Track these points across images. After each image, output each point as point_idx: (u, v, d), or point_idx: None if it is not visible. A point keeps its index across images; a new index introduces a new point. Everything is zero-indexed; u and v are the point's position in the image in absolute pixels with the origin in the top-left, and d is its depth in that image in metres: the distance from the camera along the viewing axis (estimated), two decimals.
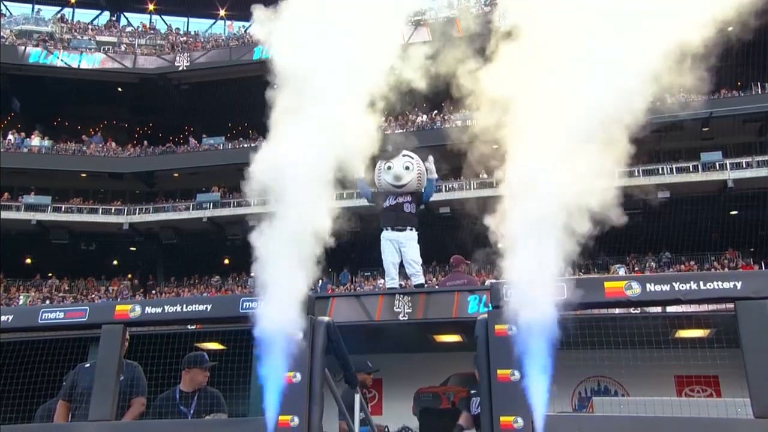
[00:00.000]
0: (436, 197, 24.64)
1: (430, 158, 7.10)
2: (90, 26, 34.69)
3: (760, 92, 24.92)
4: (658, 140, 25.33)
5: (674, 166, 24.26)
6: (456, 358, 10.17)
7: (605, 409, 5.98)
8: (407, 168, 6.88)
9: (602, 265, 23.73)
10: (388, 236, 7.05)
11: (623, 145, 3.47)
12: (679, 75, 3.46)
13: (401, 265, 7.24)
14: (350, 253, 24.30)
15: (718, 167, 23.94)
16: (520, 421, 3.43)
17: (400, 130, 27.31)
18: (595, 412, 6.02)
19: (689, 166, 24.25)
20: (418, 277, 7.28)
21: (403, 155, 6.98)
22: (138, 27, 35.40)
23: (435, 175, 7.13)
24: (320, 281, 24.27)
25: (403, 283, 8.14)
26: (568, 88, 3.39)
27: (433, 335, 9.88)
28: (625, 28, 3.42)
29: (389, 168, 6.85)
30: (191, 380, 4.94)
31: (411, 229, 6.94)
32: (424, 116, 28.43)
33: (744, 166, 23.84)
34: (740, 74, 24.47)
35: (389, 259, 7.07)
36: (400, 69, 4.07)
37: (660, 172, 24.32)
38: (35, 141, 29.63)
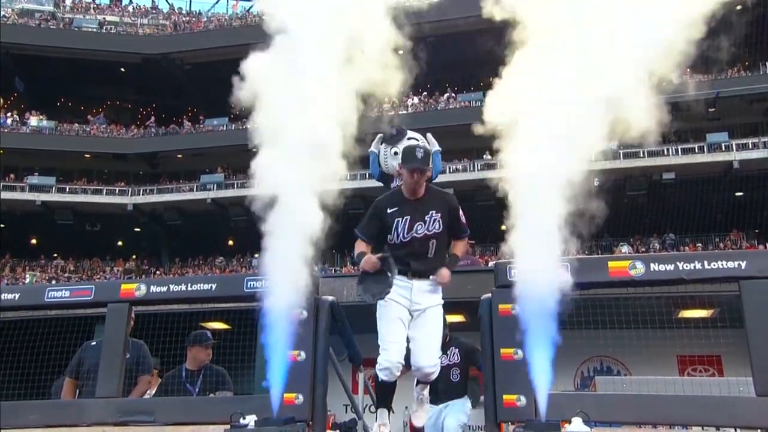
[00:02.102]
0: (439, 179, 24.57)
1: (429, 135, 6.99)
2: (92, 5, 34.43)
3: (767, 72, 24.66)
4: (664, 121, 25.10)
5: (680, 147, 24.10)
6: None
7: (608, 388, 6.03)
8: None
9: (606, 246, 23.72)
10: None
11: (628, 125, 3.45)
12: (686, 55, 3.42)
13: None
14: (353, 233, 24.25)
15: (724, 148, 23.78)
16: (523, 400, 3.46)
17: (403, 111, 27.19)
18: (597, 392, 6.06)
19: (695, 147, 24.09)
20: None
21: (408, 138, 6.89)
22: (140, 5, 35.11)
23: (437, 147, 7.01)
24: (321, 266, 24.30)
25: None
26: (573, 65, 3.36)
27: None
28: (630, 8, 3.39)
29: (396, 153, 6.75)
30: (194, 358, 4.99)
31: None
32: (416, 98, 28.23)
33: (750, 146, 23.68)
34: (747, 54, 24.20)
35: None
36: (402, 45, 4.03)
37: (665, 153, 24.17)
38: (33, 121, 29.54)
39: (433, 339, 3.89)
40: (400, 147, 6.78)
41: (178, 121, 30.69)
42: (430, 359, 3.86)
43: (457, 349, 5.60)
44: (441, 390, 5.48)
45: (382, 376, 3.80)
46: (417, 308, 3.83)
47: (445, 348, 5.17)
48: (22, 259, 28.87)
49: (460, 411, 5.61)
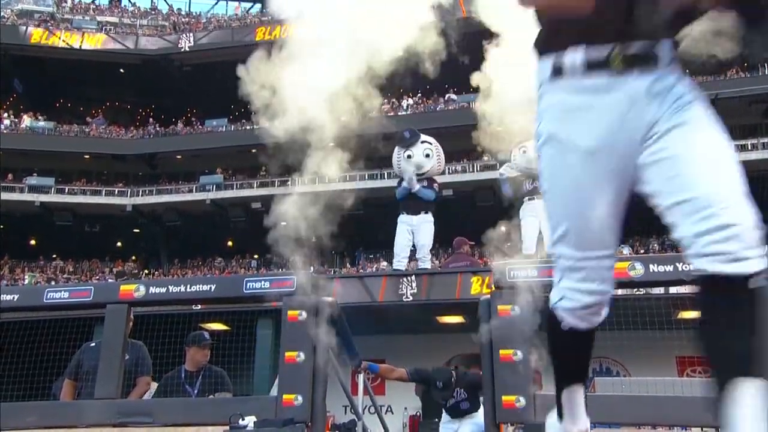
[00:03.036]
0: (438, 179, 24.62)
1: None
2: (92, 6, 34.43)
3: (766, 73, 24.68)
4: None
5: None
6: (458, 339, 10.24)
7: (607, 389, 6.03)
8: (427, 156, 6.86)
9: None
10: (402, 219, 7.13)
11: None
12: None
13: (413, 251, 7.30)
14: (354, 236, 24.37)
15: None
16: (522, 401, 3.45)
17: (402, 113, 27.20)
18: (596, 392, 6.06)
19: None
20: (424, 261, 7.38)
21: (422, 141, 6.95)
22: (140, 6, 35.11)
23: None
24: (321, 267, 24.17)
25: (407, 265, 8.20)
26: None
27: (436, 316, 9.94)
28: None
29: (409, 157, 6.82)
30: (191, 359, 4.99)
31: (426, 213, 6.95)
32: (411, 100, 28.22)
33: (749, 148, 23.69)
34: (747, 55, 24.21)
35: (400, 241, 7.17)
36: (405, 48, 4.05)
37: None
38: (26, 122, 29.51)
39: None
40: (413, 151, 6.87)
41: (178, 122, 30.71)
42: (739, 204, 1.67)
43: (462, 389, 5.64)
44: (455, 414, 5.65)
45: (574, 319, 1.88)
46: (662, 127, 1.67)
47: (450, 390, 5.39)
48: (21, 260, 28.84)
49: (475, 423, 5.66)
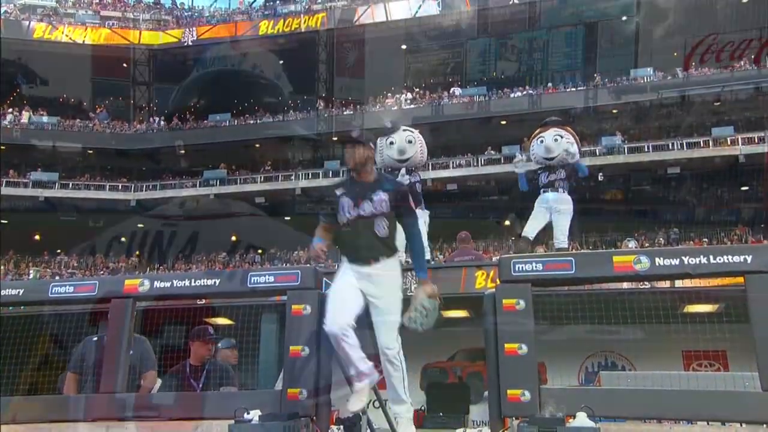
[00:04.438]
0: (443, 174, 24.66)
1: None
2: (94, 0, 34.38)
3: None
4: (669, 115, 25.05)
5: (685, 141, 23.99)
6: (463, 334, 10.23)
7: (612, 383, 6.01)
8: (410, 142, 6.79)
9: (610, 242, 23.65)
10: None
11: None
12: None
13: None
14: None
15: (729, 142, 23.68)
16: (528, 395, 3.44)
17: (406, 106, 27.11)
18: (602, 386, 6.05)
19: (700, 141, 23.98)
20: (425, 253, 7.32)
21: (404, 130, 6.90)
22: (143, 1, 35.03)
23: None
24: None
25: (409, 260, 8.17)
26: None
27: (441, 310, 9.90)
28: None
29: (391, 143, 6.76)
30: (195, 354, 4.98)
31: (421, 209, 6.93)
32: (409, 94, 28.10)
33: (756, 141, 23.56)
34: (753, 47, 24.06)
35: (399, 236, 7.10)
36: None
37: (670, 147, 24.07)
38: (27, 117, 29.52)
39: None
40: (395, 137, 6.82)
41: (180, 117, 30.70)
42: None
43: (386, 195, 3.75)
44: (363, 246, 3.78)
45: None
46: None
47: (370, 191, 3.71)
48: (26, 254, 28.92)
49: (394, 311, 4.07)
